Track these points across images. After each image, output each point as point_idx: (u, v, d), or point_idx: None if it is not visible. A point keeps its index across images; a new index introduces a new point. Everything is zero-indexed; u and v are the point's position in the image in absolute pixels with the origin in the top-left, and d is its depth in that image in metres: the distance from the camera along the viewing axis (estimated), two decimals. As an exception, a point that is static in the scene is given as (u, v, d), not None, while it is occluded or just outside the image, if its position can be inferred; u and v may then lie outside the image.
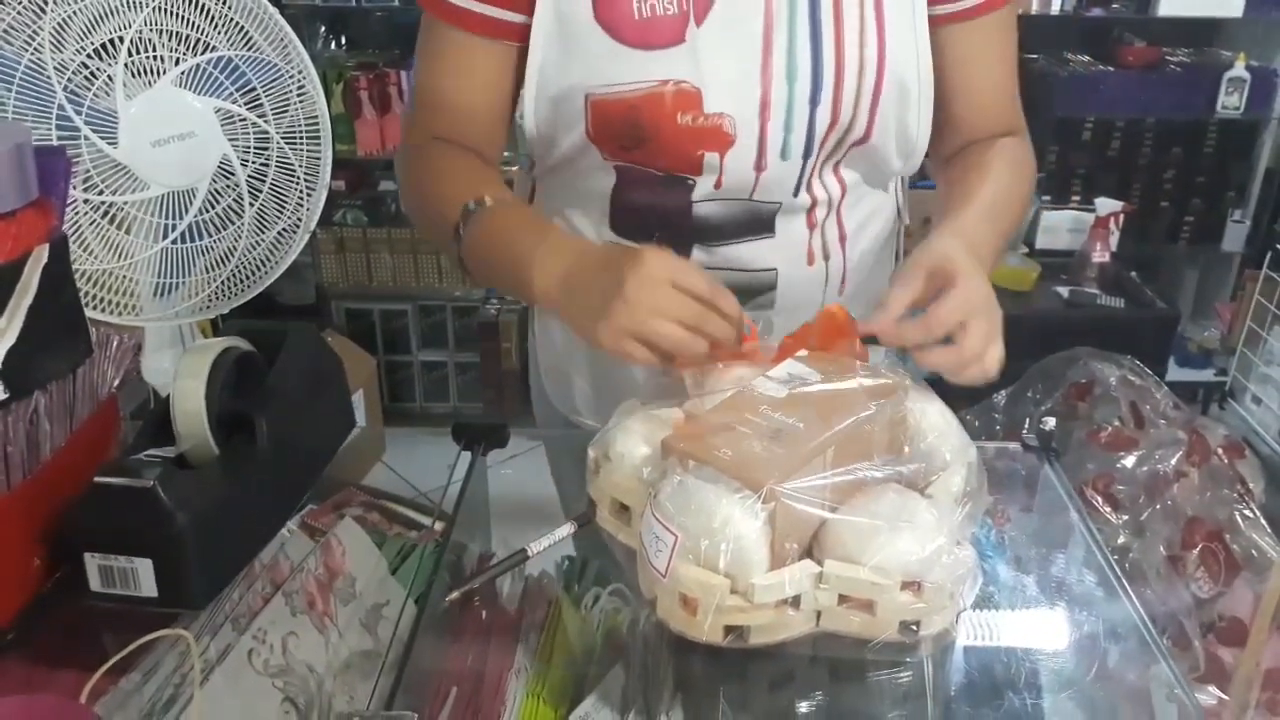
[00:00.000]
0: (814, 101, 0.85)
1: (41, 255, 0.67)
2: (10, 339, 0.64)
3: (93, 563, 0.67)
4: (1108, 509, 1.71)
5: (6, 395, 0.65)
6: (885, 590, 0.60)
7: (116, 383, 0.78)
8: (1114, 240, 2.66)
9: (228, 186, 1.42)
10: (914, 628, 0.61)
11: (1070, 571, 0.82)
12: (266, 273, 1.45)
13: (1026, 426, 1.18)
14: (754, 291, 0.94)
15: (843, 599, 0.61)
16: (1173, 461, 1.82)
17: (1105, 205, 2.59)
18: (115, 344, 0.78)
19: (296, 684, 0.77)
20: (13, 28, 1.25)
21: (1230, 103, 2.60)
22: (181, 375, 0.74)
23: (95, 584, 0.68)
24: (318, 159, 1.51)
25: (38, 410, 0.68)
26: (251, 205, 1.43)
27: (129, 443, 0.75)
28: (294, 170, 1.46)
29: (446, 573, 0.75)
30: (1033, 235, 2.73)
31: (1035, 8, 2.56)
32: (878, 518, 0.61)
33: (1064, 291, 2.58)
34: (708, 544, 0.59)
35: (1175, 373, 2.75)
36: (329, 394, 0.87)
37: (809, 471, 0.61)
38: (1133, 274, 2.65)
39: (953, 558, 0.62)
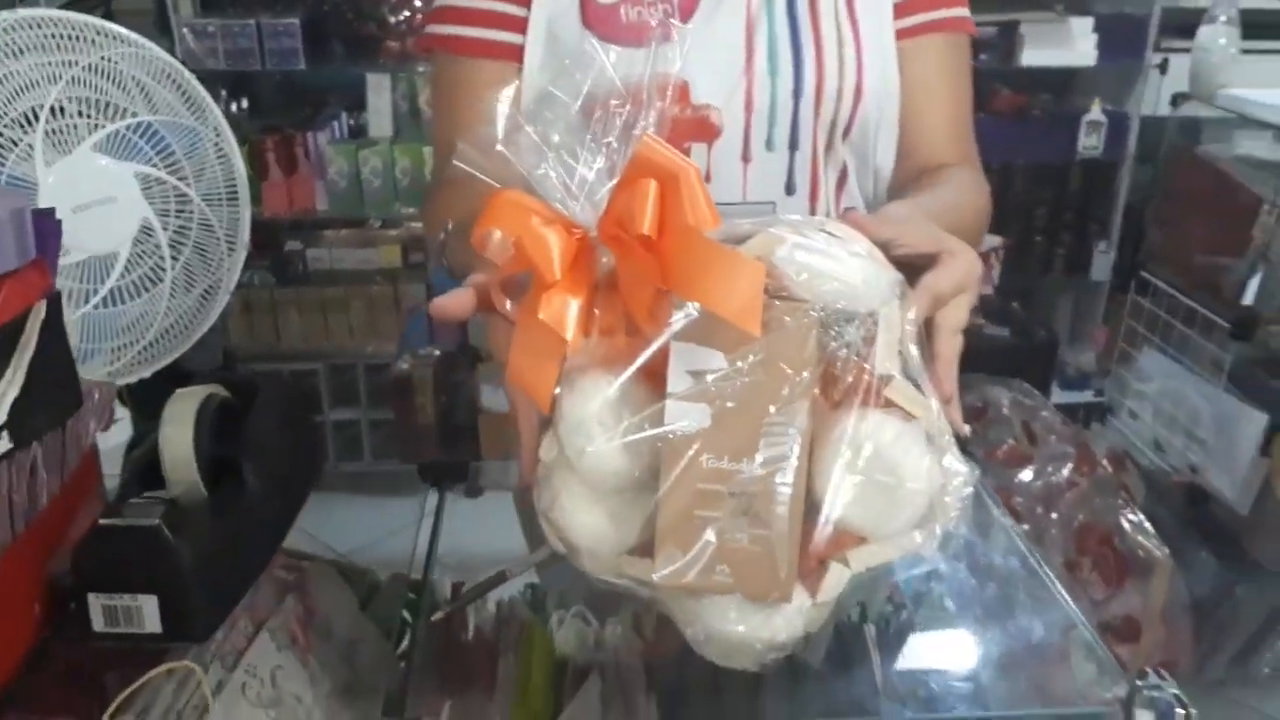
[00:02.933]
0: (797, 94, 0.91)
1: (40, 311, 0.70)
2: (14, 391, 0.67)
3: (96, 603, 0.70)
4: (1009, 521, 1.83)
5: (11, 446, 0.67)
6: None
7: (98, 433, 0.81)
8: (995, 274, 2.85)
9: (147, 250, 1.43)
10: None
11: (994, 557, 0.90)
12: (188, 334, 1.47)
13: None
14: None
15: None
16: (1065, 472, 1.97)
17: (985, 241, 2.77)
18: (96, 396, 0.81)
19: (287, 714, 0.80)
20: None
21: (1090, 144, 2.82)
22: (168, 422, 0.77)
23: (98, 624, 0.70)
24: (236, 218, 1.54)
25: (35, 460, 0.71)
26: (174, 266, 1.45)
27: (115, 489, 0.78)
28: (214, 230, 1.49)
29: (432, 593, 0.80)
30: (920, 273, 2.89)
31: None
32: (866, 487, 0.55)
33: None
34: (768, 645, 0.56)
35: (1058, 395, 2.93)
36: (303, 437, 0.91)
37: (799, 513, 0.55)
38: (1014, 304, 2.83)
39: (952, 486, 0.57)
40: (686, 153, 0.82)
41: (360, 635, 0.92)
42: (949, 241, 0.63)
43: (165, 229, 1.44)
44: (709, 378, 0.54)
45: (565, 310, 0.56)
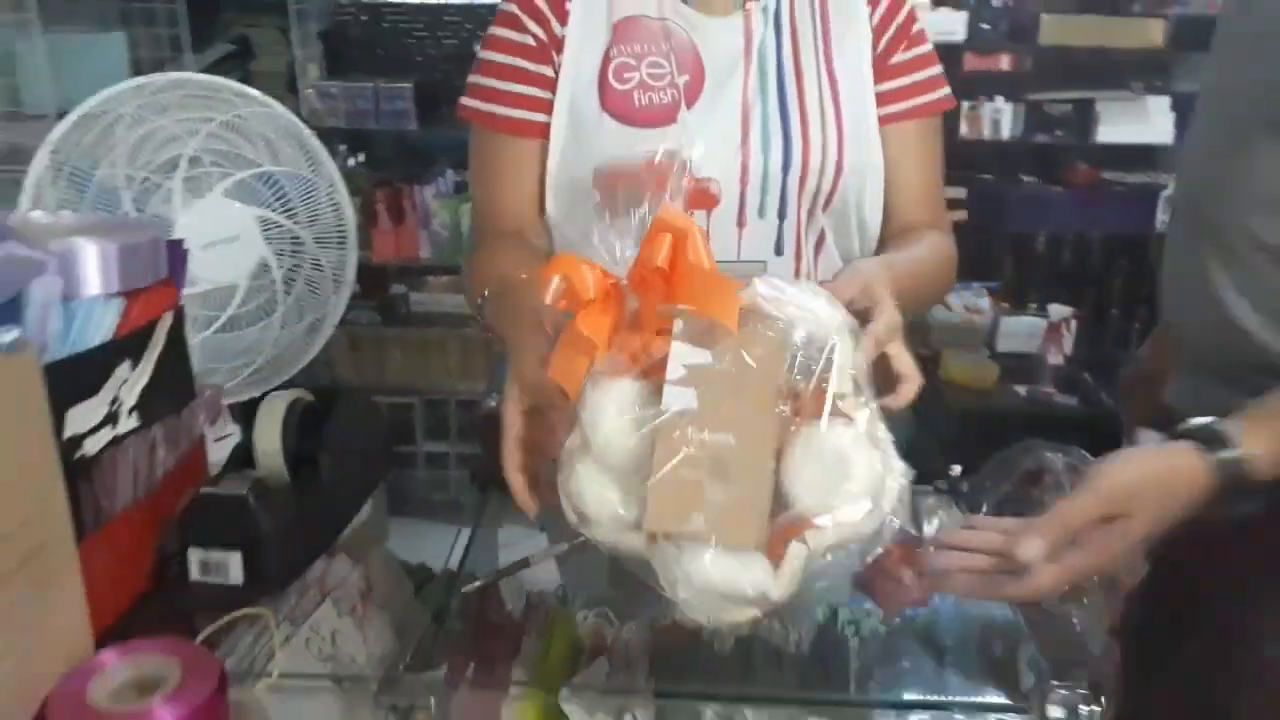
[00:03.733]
0: (785, 169, 1.03)
1: (167, 320, 0.88)
2: (144, 381, 0.85)
3: (194, 556, 0.87)
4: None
5: (139, 425, 0.85)
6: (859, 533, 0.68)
7: (206, 424, 0.98)
8: (1068, 344, 2.89)
9: (264, 284, 1.63)
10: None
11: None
12: (295, 361, 1.66)
13: (984, 509, 1.36)
14: None
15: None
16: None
17: (1057, 312, 2.83)
18: (207, 394, 0.99)
19: (342, 669, 0.95)
20: (94, 147, 1.49)
21: (1167, 219, 2.86)
22: (261, 416, 0.95)
23: (195, 574, 0.87)
24: (344, 260, 1.73)
25: (156, 439, 0.88)
26: (285, 300, 1.65)
27: (216, 471, 0.95)
28: (323, 269, 1.69)
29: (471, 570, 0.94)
30: (993, 339, 2.96)
31: (987, 133, 2.85)
32: (821, 473, 0.67)
33: (1022, 390, 2.79)
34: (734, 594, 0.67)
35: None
36: (371, 442, 1.07)
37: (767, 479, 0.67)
38: (1086, 375, 2.87)
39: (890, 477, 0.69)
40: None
41: (411, 614, 1.07)
42: (884, 301, 0.77)
43: (280, 266, 1.64)
44: (698, 366, 0.69)
45: (598, 325, 0.73)
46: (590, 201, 1.05)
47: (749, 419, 0.68)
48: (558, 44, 1.06)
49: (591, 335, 0.72)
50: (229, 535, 0.86)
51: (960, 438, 2.59)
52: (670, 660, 0.94)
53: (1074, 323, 2.87)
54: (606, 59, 1.05)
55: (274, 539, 0.87)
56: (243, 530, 0.86)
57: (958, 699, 0.85)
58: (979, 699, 0.85)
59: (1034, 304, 2.98)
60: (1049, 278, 2.94)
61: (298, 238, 1.69)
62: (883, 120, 1.07)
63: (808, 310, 0.72)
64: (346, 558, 1.05)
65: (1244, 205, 0.92)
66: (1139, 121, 2.77)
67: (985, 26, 2.75)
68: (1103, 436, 2.89)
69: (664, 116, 1.03)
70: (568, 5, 1.06)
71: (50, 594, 0.72)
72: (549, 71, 1.06)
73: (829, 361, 0.70)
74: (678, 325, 0.71)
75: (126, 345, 0.84)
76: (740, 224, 1.05)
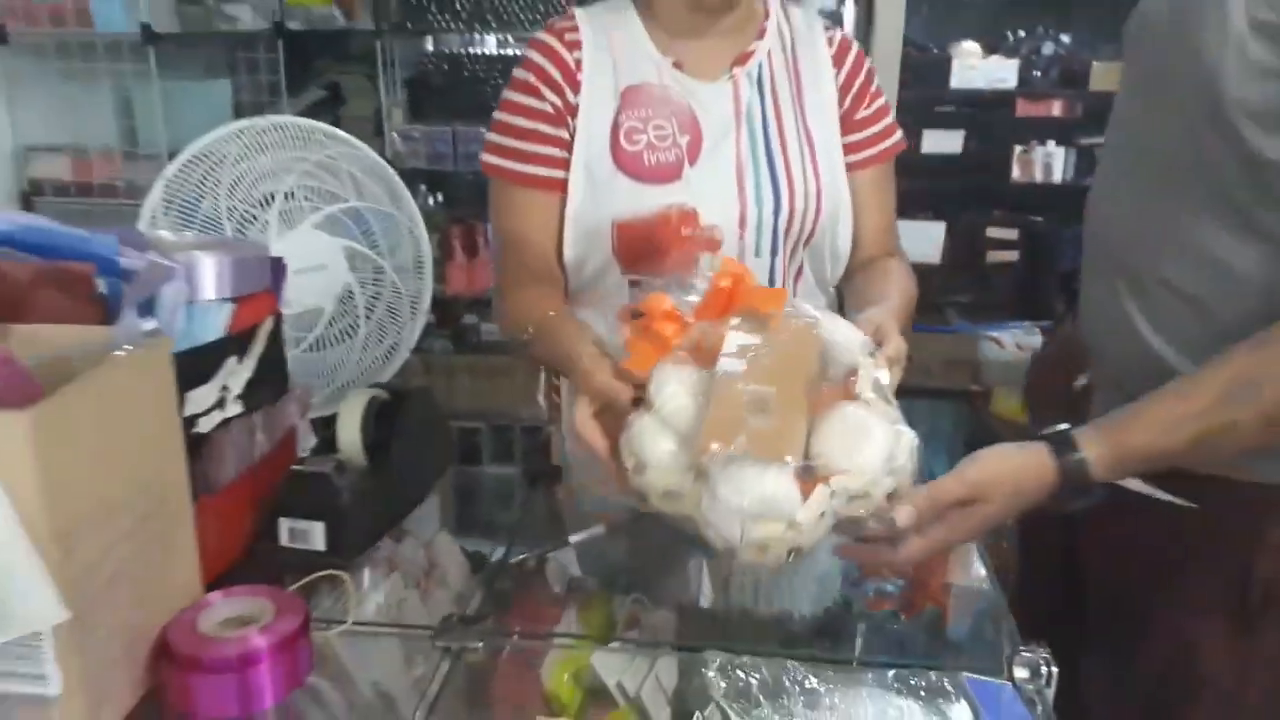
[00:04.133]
0: (776, 214, 1.19)
1: (268, 324, 1.04)
2: (247, 374, 1.01)
3: (284, 524, 1.02)
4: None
5: (243, 410, 1.01)
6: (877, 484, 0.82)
7: (297, 415, 1.14)
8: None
9: (348, 309, 1.80)
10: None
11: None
12: (375, 380, 1.81)
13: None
14: None
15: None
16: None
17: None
18: (298, 391, 1.15)
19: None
20: (200, 182, 1.68)
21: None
22: (344, 409, 1.10)
23: (284, 540, 1.02)
24: (420, 289, 1.90)
25: (255, 424, 1.04)
26: (367, 323, 1.81)
27: (305, 454, 1.11)
28: (402, 297, 1.85)
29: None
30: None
31: (1039, 177, 2.94)
32: (847, 435, 0.81)
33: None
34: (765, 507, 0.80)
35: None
36: (438, 437, 1.22)
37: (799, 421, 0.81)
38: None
39: (904, 439, 0.84)
40: (696, 263, 1.12)
41: (468, 591, 1.21)
42: (893, 334, 0.93)
43: (363, 293, 1.80)
44: (747, 344, 0.86)
45: (670, 328, 0.89)
46: (605, 248, 1.20)
47: (788, 378, 0.83)
48: (572, 110, 1.19)
49: (667, 331, 0.89)
50: (314, 507, 1.01)
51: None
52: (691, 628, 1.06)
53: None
54: (616, 123, 1.18)
55: (351, 512, 1.02)
56: (326, 503, 1.01)
57: (944, 662, 0.94)
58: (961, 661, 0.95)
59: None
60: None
61: (380, 268, 1.85)
62: (850, 167, 1.24)
63: (835, 328, 0.90)
64: (414, 540, 1.19)
65: (1157, 254, 1.02)
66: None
67: (1037, 74, 2.85)
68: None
69: (670, 174, 1.17)
70: (579, 76, 1.19)
71: (168, 543, 0.87)
72: (565, 134, 1.20)
73: (853, 369, 0.87)
74: (735, 320, 0.88)
75: (234, 342, 1.00)
76: (740, 261, 1.20)
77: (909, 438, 0.84)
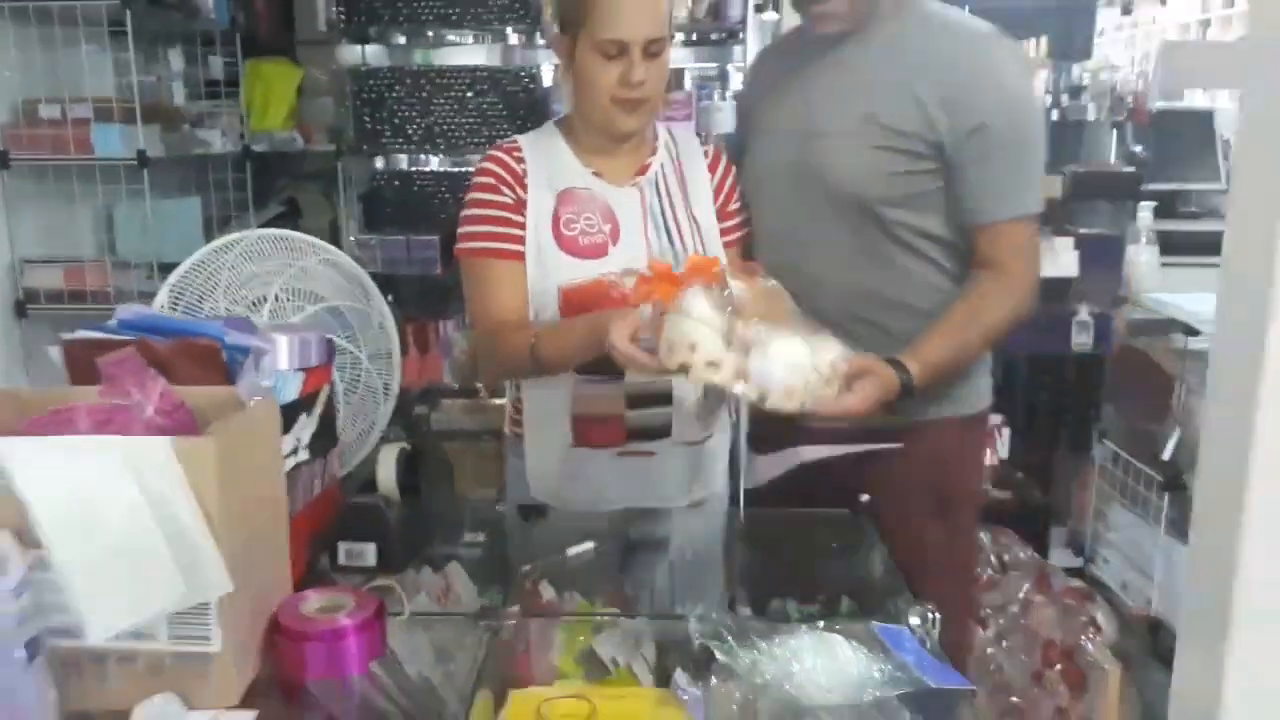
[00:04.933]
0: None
1: (325, 390, 1.33)
2: (312, 428, 1.29)
3: (342, 547, 1.29)
4: (977, 628, 2.31)
5: (309, 458, 1.28)
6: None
7: (338, 466, 1.41)
8: (1003, 447, 3.35)
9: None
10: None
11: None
12: (353, 458, 2.07)
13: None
14: (655, 397, 1.58)
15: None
16: (1025, 588, 2.42)
17: (991, 420, 3.29)
18: (339, 447, 1.43)
19: (437, 637, 1.35)
20: (201, 287, 1.95)
21: (1080, 340, 3.35)
22: (382, 457, 1.38)
23: (341, 560, 1.29)
24: (390, 376, 2.18)
25: (316, 470, 1.31)
26: (346, 407, 2.09)
27: (351, 492, 1.38)
28: (376, 382, 2.13)
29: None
30: (939, 445, 3.41)
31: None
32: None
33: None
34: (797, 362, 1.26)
35: (1069, 559, 3.35)
36: (447, 480, 1.50)
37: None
38: (1019, 474, 3.31)
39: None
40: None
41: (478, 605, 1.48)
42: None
43: (341, 379, 2.06)
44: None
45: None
46: (551, 307, 1.56)
47: (774, 299, 1.31)
48: (524, 204, 1.57)
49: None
50: (367, 531, 1.28)
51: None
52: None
53: (1006, 429, 3.34)
54: (556, 215, 1.56)
55: (396, 535, 1.29)
56: (377, 528, 1.29)
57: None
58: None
59: (974, 415, 3.44)
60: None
61: (356, 357, 2.14)
62: (725, 245, 1.63)
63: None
64: (429, 569, 1.46)
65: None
66: (1048, 258, 3.29)
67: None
68: (1029, 521, 3.32)
69: (599, 251, 1.56)
70: (526, 180, 1.57)
71: (275, 548, 1.14)
72: (522, 219, 1.57)
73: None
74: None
75: (303, 404, 1.28)
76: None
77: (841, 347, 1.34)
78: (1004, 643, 2.32)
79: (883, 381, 1.41)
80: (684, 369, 1.26)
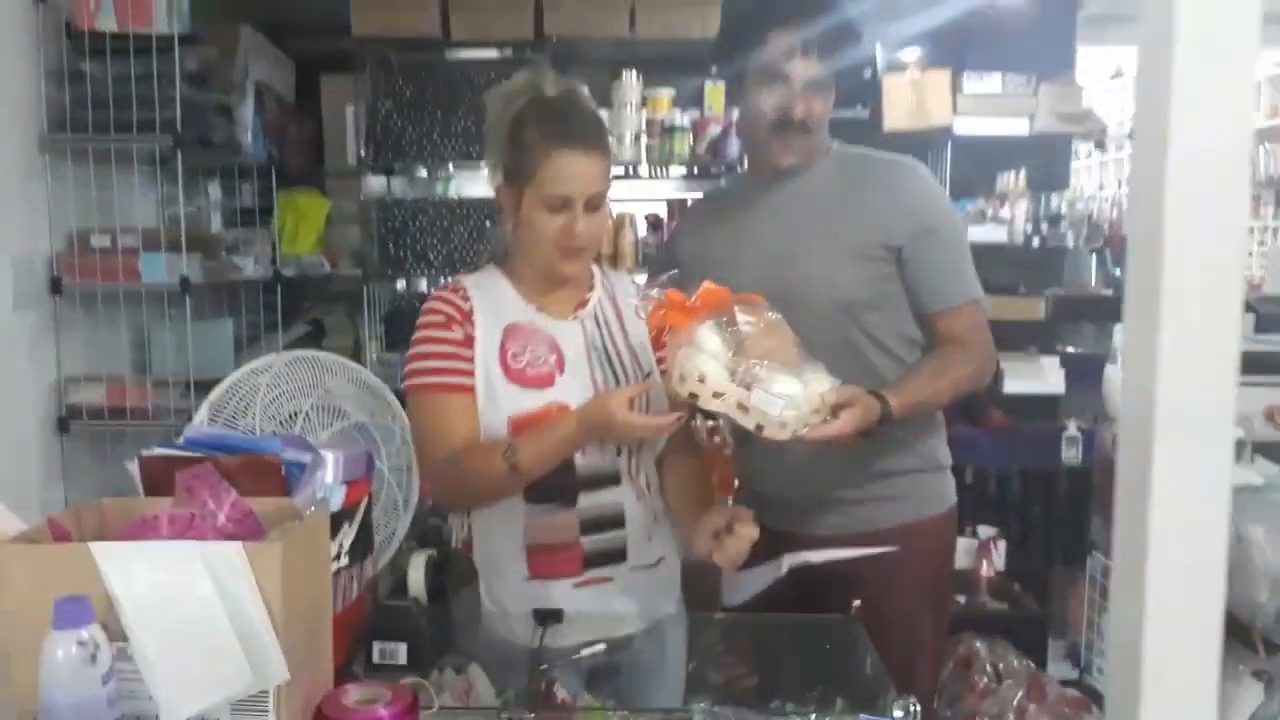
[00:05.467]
0: None
1: (364, 502, 1.47)
2: (352, 535, 1.43)
3: (376, 646, 1.41)
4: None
5: (348, 563, 1.42)
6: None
7: (371, 570, 1.54)
8: (999, 559, 3.45)
9: (355, 506, 2.21)
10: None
11: None
12: (377, 563, 2.20)
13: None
14: (608, 521, 1.67)
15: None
16: (1016, 699, 2.51)
17: (985, 532, 3.41)
18: (373, 554, 1.56)
19: (458, 730, 1.46)
20: (237, 404, 2.11)
21: (1070, 455, 3.49)
22: (413, 563, 1.52)
23: (376, 658, 1.41)
24: (411, 488, 2.32)
25: (354, 574, 1.45)
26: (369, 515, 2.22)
27: (383, 595, 1.51)
28: (396, 493, 2.27)
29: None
30: (937, 557, 3.51)
31: (916, 388, 3.53)
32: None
33: (961, 599, 3.33)
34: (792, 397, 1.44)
35: (1068, 670, 3.42)
36: (472, 586, 1.63)
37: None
38: (1015, 585, 3.41)
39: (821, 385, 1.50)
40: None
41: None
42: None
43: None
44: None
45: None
46: (504, 431, 1.64)
47: (777, 332, 1.50)
48: (472, 340, 1.66)
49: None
50: (399, 632, 1.41)
51: (911, 639, 3.10)
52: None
53: (1001, 542, 3.45)
54: (504, 349, 1.66)
55: (425, 635, 1.42)
56: (406, 629, 1.41)
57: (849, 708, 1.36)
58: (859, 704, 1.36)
59: (968, 526, 3.56)
60: (979, 504, 3.52)
61: (379, 470, 2.28)
62: (663, 372, 1.74)
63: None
64: (452, 671, 1.58)
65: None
66: (1037, 377, 3.46)
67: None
68: (1027, 632, 3.42)
69: (545, 381, 1.67)
70: (474, 318, 1.67)
71: (319, 646, 1.26)
72: (470, 354, 1.65)
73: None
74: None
75: (346, 514, 1.42)
76: (601, 440, 1.65)
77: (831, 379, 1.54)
78: (999, 749, 2.40)
79: (865, 409, 1.61)
80: (694, 398, 1.46)
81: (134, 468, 1.32)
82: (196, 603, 1.07)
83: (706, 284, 1.54)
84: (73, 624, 1.01)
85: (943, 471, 1.98)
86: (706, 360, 1.45)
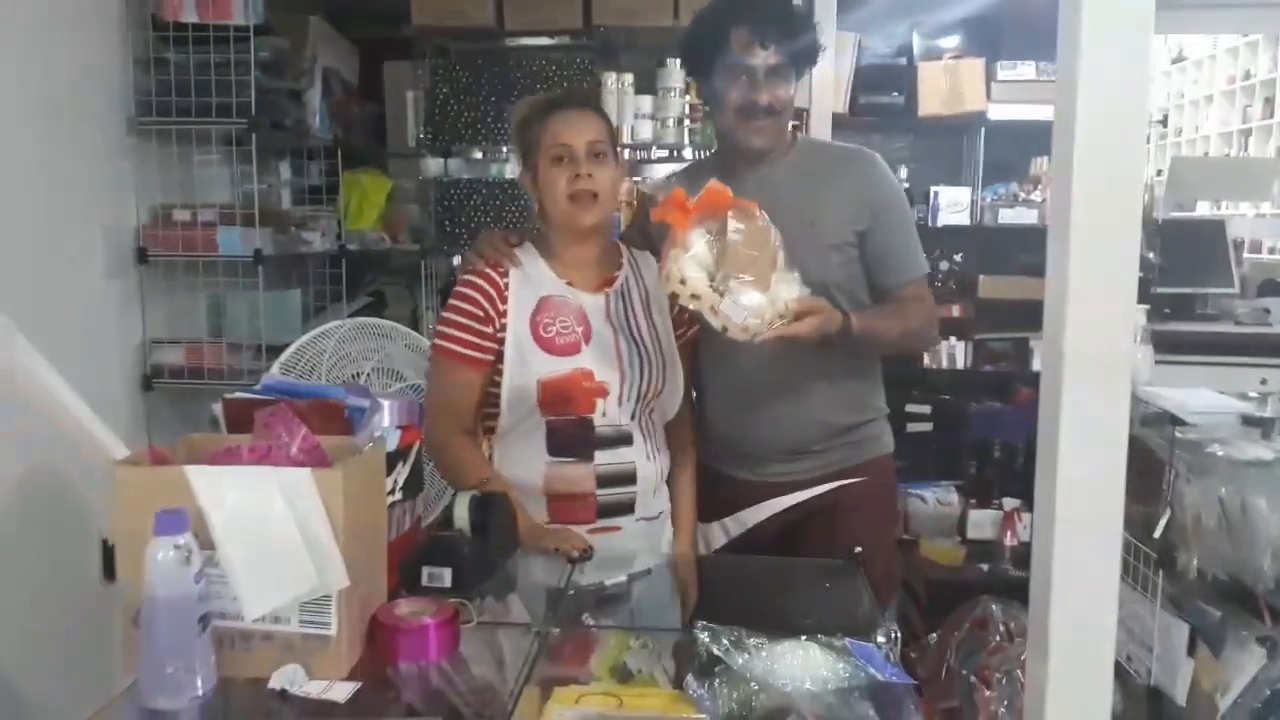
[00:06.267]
0: (640, 376, 1.88)
1: (416, 445, 1.67)
2: (405, 473, 1.63)
3: (425, 570, 1.61)
4: (984, 688, 2.55)
5: (402, 498, 1.62)
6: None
7: (422, 508, 1.74)
8: (1023, 530, 3.57)
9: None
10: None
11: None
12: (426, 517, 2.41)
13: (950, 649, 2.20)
14: (622, 477, 1.90)
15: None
16: (1023, 655, 2.64)
17: (1009, 503, 3.54)
18: (425, 490, 1.76)
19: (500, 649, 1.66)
20: (305, 365, 2.33)
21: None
22: (458, 502, 1.71)
23: (424, 581, 1.60)
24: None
25: (406, 509, 1.65)
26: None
27: (431, 528, 1.71)
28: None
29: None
30: (964, 528, 3.64)
31: (945, 364, 3.66)
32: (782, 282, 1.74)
33: (984, 566, 3.46)
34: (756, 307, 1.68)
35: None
36: (511, 521, 1.82)
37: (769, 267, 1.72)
38: (1038, 556, 3.53)
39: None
40: (594, 404, 1.89)
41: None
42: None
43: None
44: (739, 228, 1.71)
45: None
46: (530, 399, 1.86)
47: (762, 245, 1.69)
48: (503, 314, 1.87)
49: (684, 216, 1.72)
50: (446, 558, 1.60)
51: (935, 603, 3.24)
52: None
53: (1025, 513, 3.57)
54: (535, 319, 1.87)
55: (469, 562, 1.61)
56: (452, 556, 1.61)
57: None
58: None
59: (997, 501, 3.68)
60: (1004, 476, 3.65)
61: (433, 429, 2.45)
62: (680, 346, 1.98)
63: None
64: (493, 598, 1.78)
65: None
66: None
67: (937, 284, 3.63)
68: (1047, 601, 3.50)
69: (574, 349, 1.87)
70: (506, 293, 1.88)
71: (376, 563, 1.46)
72: (490, 331, 1.86)
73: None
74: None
75: (400, 454, 1.62)
76: (620, 404, 1.88)
77: (802, 286, 1.76)
78: (1006, 703, 2.54)
79: (827, 318, 1.80)
80: (674, 296, 1.71)
81: (218, 409, 1.53)
82: (273, 518, 1.27)
83: (712, 182, 1.74)
84: (171, 531, 1.21)
85: (885, 419, 2.23)
86: (690, 264, 1.67)
